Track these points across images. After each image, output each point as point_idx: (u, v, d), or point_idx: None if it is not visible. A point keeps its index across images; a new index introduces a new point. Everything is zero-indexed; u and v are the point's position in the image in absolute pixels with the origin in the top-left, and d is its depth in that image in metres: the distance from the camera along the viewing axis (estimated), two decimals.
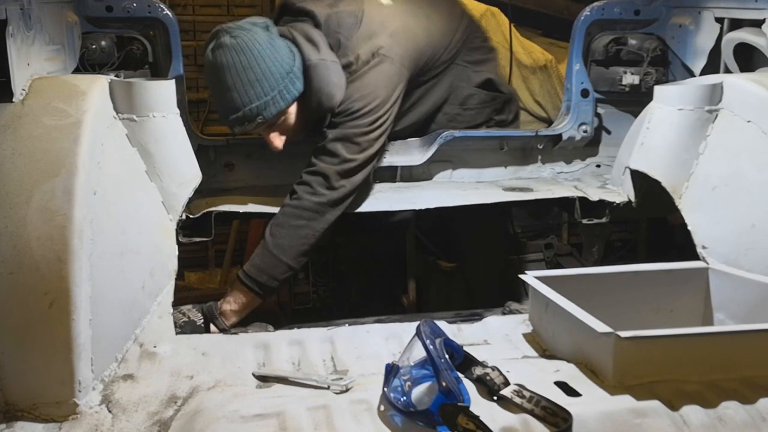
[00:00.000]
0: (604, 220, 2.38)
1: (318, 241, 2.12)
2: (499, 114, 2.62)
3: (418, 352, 1.39)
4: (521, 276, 1.80)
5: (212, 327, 2.01)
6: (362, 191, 2.37)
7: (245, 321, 2.06)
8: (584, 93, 2.62)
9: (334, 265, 3.03)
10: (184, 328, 1.95)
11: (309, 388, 1.45)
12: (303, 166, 2.38)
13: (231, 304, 2.05)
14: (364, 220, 2.30)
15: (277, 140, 2.19)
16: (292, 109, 2.16)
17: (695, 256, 1.96)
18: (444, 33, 2.41)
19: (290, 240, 2.07)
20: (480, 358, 1.45)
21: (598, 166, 2.74)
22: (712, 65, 2.40)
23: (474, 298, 2.57)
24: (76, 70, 2.14)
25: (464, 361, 1.45)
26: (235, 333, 1.83)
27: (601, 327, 1.43)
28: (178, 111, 1.97)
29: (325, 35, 2.20)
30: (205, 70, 2.11)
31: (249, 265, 2.08)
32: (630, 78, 2.57)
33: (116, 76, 2.16)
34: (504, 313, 2.14)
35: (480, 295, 2.28)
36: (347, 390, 1.42)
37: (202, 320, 1.99)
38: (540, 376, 1.45)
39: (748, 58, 2.29)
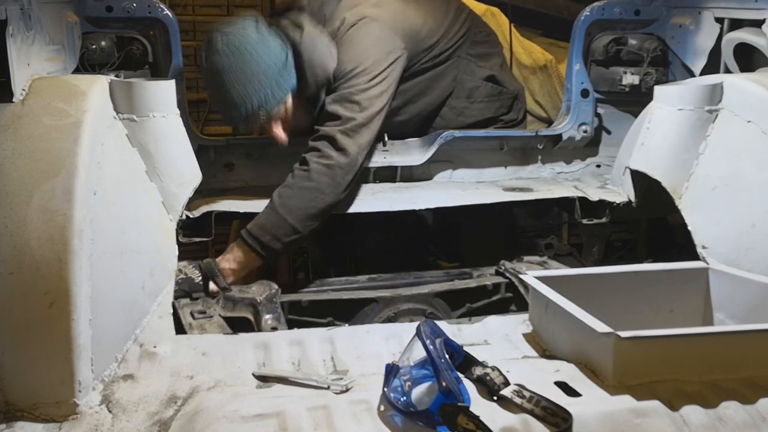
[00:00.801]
0: (604, 220, 2.38)
1: (327, 207, 2.09)
2: (507, 113, 2.62)
3: (418, 352, 1.39)
4: (521, 276, 1.80)
5: (211, 285, 1.99)
6: (362, 191, 2.38)
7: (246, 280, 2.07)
8: (584, 93, 2.62)
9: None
10: (182, 284, 1.93)
11: (309, 388, 1.45)
12: None
13: (230, 263, 2.04)
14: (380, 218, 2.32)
15: (282, 133, 2.19)
16: (292, 100, 2.17)
17: (695, 256, 1.96)
18: (439, 18, 2.42)
19: (298, 201, 2.06)
20: (480, 358, 1.45)
21: (598, 166, 2.74)
22: (712, 65, 2.40)
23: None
24: (76, 70, 2.14)
25: (464, 361, 1.45)
26: (235, 333, 1.84)
27: (601, 327, 1.43)
28: (178, 111, 1.97)
29: (310, 16, 2.24)
30: (203, 76, 2.15)
31: (253, 224, 2.07)
32: (630, 78, 2.58)
33: (116, 76, 2.16)
34: (497, 272, 2.19)
35: (476, 291, 2.28)
36: (347, 390, 1.42)
37: (200, 278, 1.98)
38: (540, 376, 1.45)
39: (748, 58, 2.29)
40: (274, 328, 1.85)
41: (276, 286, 2.00)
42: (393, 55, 2.22)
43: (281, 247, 2.05)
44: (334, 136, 2.10)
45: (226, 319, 1.91)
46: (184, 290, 1.93)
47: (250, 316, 1.92)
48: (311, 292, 2.14)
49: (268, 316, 1.87)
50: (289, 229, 2.04)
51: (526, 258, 2.33)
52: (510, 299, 2.13)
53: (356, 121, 2.12)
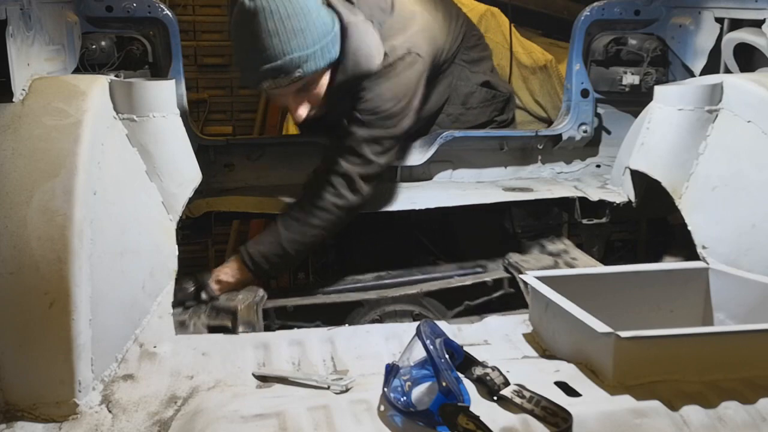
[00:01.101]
0: (604, 220, 2.38)
1: (324, 240, 2.16)
2: (500, 114, 2.62)
3: (418, 352, 1.39)
4: (521, 276, 1.80)
5: (203, 294, 2.02)
6: None
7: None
8: (584, 93, 2.63)
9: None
10: (176, 294, 1.92)
11: (309, 388, 1.45)
12: (303, 166, 2.38)
13: (228, 276, 2.06)
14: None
15: (303, 109, 2.10)
16: (326, 76, 2.06)
17: (695, 256, 1.96)
18: (447, 33, 2.41)
19: (303, 236, 2.09)
20: (480, 358, 1.45)
21: (598, 166, 2.74)
22: (712, 65, 2.40)
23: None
24: (76, 70, 2.14)
25: (464, 361, 1.45)
26: (235, 333, 1.84)
27: (601, 327, 1.43)
28: (178, 111, 1.97)
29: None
30: (236, 17, 1.94)
31: (255, 248, 2.09)
32: (630, 78, 2.58)
33: (116, 76, 2.16)
34: (504, 266, 2.18)
35: (473, 288, 2.28)
36: (347, 390, 1.42)
37: (193, 288, 2.01)
38: (540, 376, 1.45)
39: (748, 58, 2.29)
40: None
41: (262, 293, 2.00)
42: (421, 91, 2.22)
43: (276, 272, 2.18)
44: (354, 178, 2.09)
45: (210, 328, 1.92)
46: (179, 300, 1.93)
47: (230, 325, 1.92)
48: (302, 296, 2.14)
49: (241, 327, 1.90)
50: (288, 258, 2.10)
51: (548, 247, 2.31)
52: (513, 295, 2.11)
53: (379, 167, 2.13)
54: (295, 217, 2.10)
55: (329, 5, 2.03)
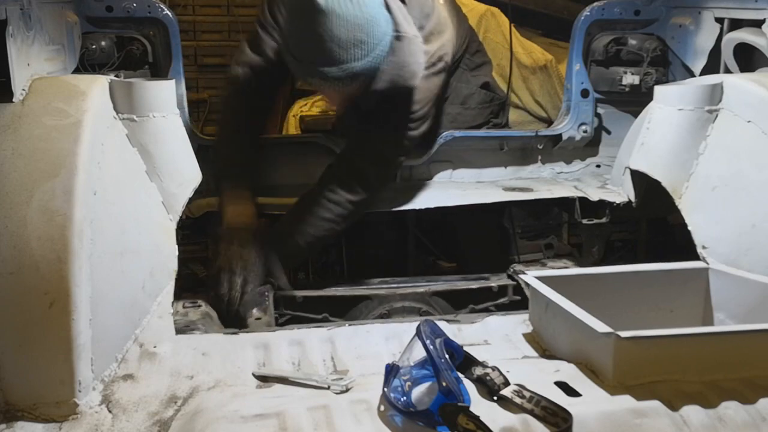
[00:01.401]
0: (604, 220, 2.38)
1: (336, 234, 2.18)
2: (496, 118, 2.63)
3: (418, 352, 1.39)
4: (521, 276, 1.80)
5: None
6: None
7: None
8: (584, 93, 2.63)
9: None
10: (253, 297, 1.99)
11: (309, 388, 1.45)
12: (303, 166, 2.38)
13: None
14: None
15: (340, 101, 2.11)
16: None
17: (695, 256, 1.96)
18: (458, 38, 2.43)
19: (315, 230, 2.12)
20: (480, 358, 1.45)
21: (598, 166, 2.74)
22: (712, 65, 2.40)
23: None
24: (76, 70, 2.15)
25: (464, 361, 1.45)
26: (236, 332, 1.84)
27: (601, 327, 1.43)
28: (178, 111, 1.97)
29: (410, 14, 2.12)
30: (301, 5, 1.87)
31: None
32: (630, 78, 2.58)
33: (116, 76, 2.16)
34: (508, 275, 2.18)
35: (479, 292, 2.28)
36: (347, 390, 1.42)
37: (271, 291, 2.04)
38: (540, 376, 1.45)
39: (748, 58, 2.29)
40: (258, 318, 1.92)
41: (275, 281, 2.04)
42: (439, 93, 2.25)
43: (287, 264, 2.20)
44: (370, 177, 2.12)
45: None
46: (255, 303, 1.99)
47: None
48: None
49: (254, 309, 1.94)
50: (300, 250, 2.16)
51: (549, 264, 2.33)
52: (519, 302, 2.09)
53: (394, 165, 2.18)
54: (309, 211, 2.12)
55: (387, 7, 1.99)
